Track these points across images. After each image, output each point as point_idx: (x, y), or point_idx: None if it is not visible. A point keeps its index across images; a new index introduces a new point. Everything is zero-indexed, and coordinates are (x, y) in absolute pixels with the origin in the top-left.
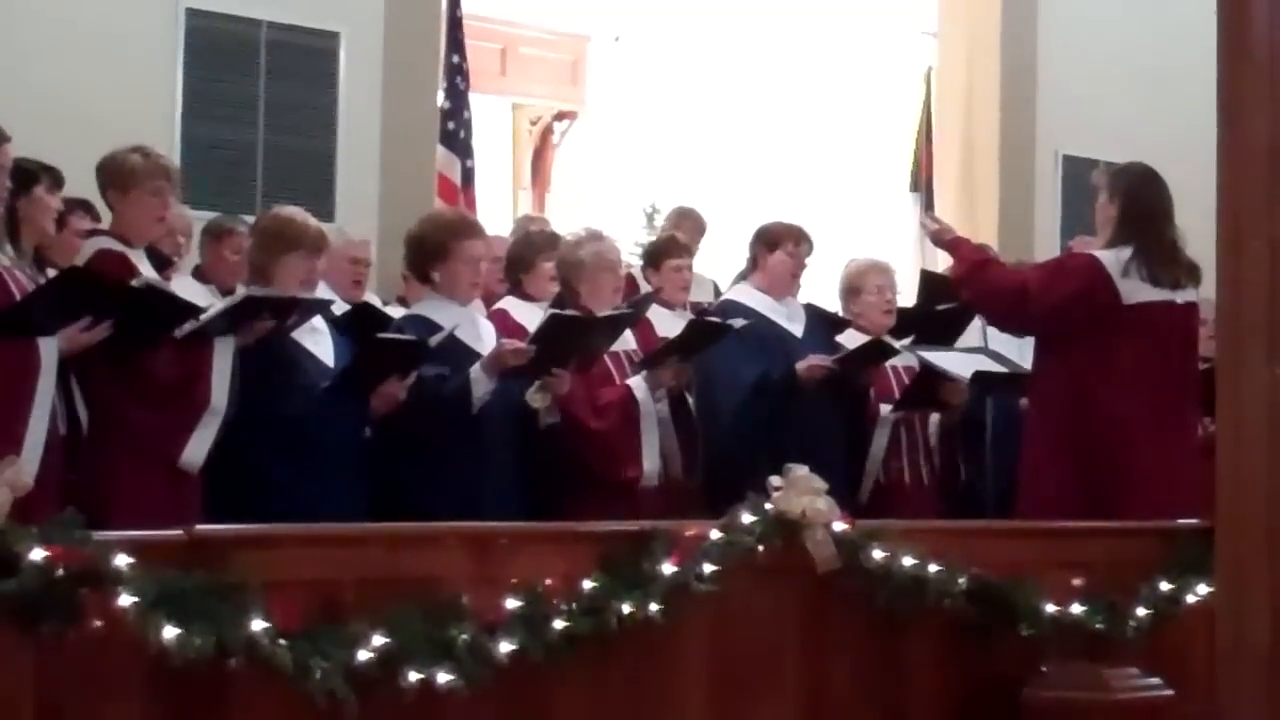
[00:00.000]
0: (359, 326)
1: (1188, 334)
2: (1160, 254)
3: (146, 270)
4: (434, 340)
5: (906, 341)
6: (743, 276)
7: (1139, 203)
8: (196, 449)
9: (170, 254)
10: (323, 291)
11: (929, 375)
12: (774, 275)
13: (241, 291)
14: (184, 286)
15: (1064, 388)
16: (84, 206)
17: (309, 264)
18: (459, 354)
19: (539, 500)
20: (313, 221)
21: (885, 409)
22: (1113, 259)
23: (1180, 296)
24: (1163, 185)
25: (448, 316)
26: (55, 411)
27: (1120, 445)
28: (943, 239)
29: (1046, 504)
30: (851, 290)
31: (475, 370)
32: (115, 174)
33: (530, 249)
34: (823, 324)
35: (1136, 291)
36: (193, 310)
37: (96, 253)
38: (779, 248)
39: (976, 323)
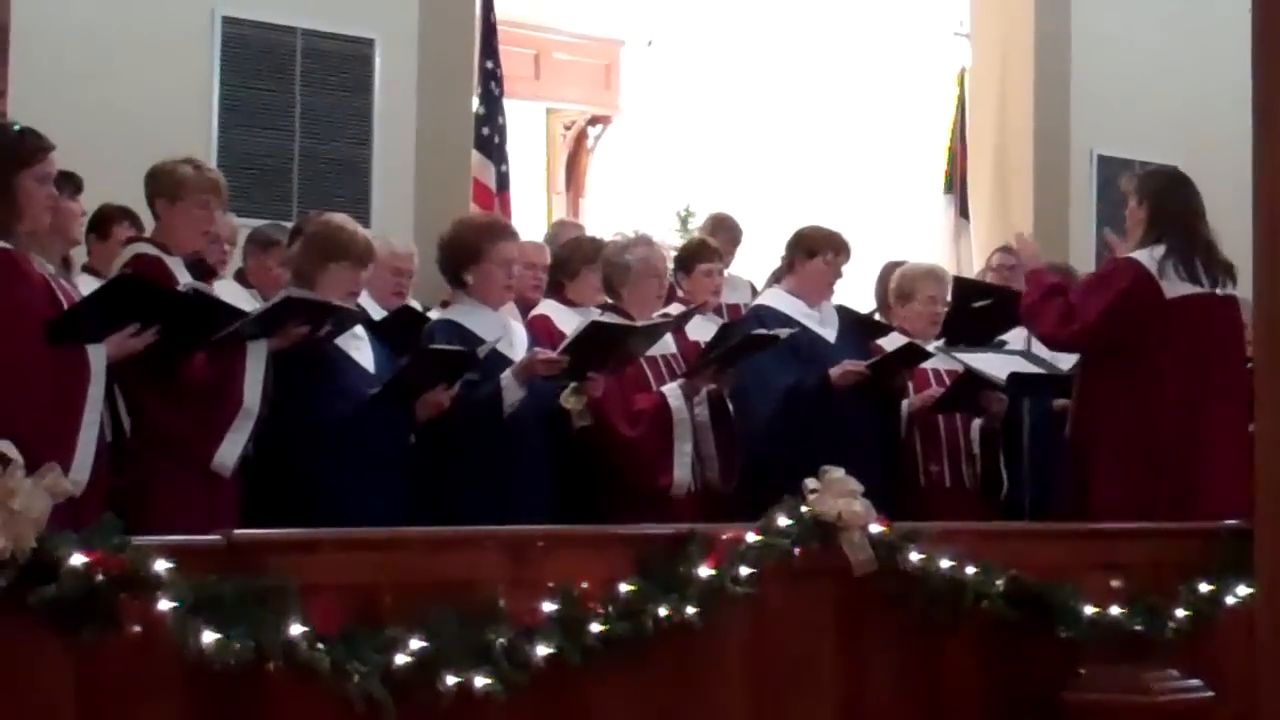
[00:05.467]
0: (400, 329)
1: (1233, 326)
2: (1194, 252)
3: (184, 279)
4: (481, 351)
5: (940, 343)
6: (776, 279)
7: (1168, 204)
8: (229, 451)
9: (216, 262)
10: (363, 300)
11: (968, 380)
12: (809, 282)
13: (281, 292)
14: (227, 290)
15: (1118, 390)
16: (128, 216)
17: (354, 275)
18: (490, 360)
19: (571, 506)
20: (362, 232)
21: (905, 404)
22: (1147, 257)
23: (1220, 291)
24: (1192, 187)
25: (480, 321)
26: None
27: (1180, 442)
28: (1026, 269)
29: (1125, 508)
30: (902, 294)
31: (506, 377)
32: (165, 184)
33: (578, 255)
34: (856, 327)
35: (1176, 287)
36: (238, 315)
37: (135, 257)
38: (817, 255)
39: (1022, 331)
